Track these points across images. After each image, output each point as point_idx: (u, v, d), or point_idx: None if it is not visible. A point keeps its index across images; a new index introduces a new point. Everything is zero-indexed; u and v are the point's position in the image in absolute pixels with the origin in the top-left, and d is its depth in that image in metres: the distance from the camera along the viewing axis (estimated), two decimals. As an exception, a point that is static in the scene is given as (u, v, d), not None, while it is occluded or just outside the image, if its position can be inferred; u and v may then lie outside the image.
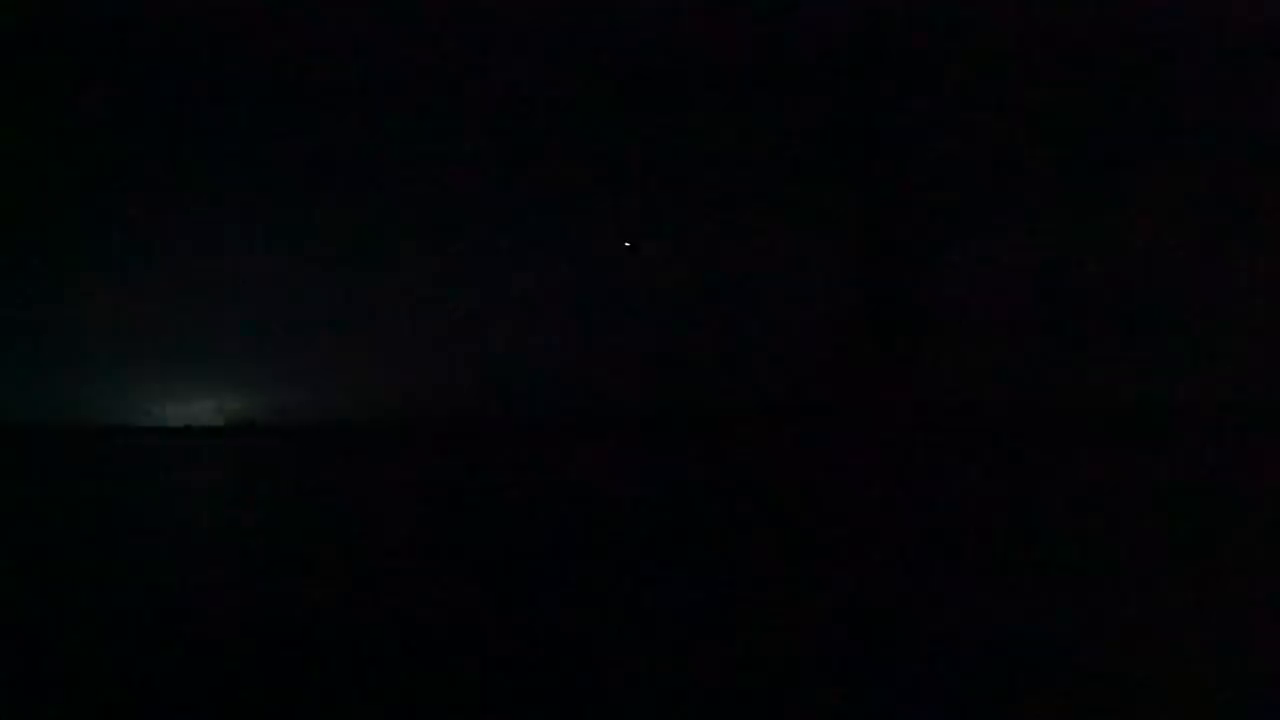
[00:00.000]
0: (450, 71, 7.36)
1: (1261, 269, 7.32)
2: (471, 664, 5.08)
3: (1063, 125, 7.41)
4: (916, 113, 7.35)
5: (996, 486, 6.69)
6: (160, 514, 6.63)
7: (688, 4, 7.33)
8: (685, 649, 5.19)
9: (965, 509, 6.50)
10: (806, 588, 5.70)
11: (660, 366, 7.34)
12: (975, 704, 4.79)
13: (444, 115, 7.36)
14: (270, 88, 7.29)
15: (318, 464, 7.17)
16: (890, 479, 6.81)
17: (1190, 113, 7.31)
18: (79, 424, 7.29)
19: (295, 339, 7.39)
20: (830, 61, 7.34)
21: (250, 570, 5.98)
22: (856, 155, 7.42)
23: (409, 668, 5.05)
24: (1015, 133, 7.38)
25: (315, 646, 5.26)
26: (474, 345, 7.38)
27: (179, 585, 5.82)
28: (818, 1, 7.30)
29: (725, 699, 4.84)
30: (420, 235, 7.40)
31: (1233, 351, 7.25)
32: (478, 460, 7.12)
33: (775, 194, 7.42)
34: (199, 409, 7.41)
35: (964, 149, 7.37)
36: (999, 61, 7.34)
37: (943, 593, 5.62)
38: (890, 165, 7.42)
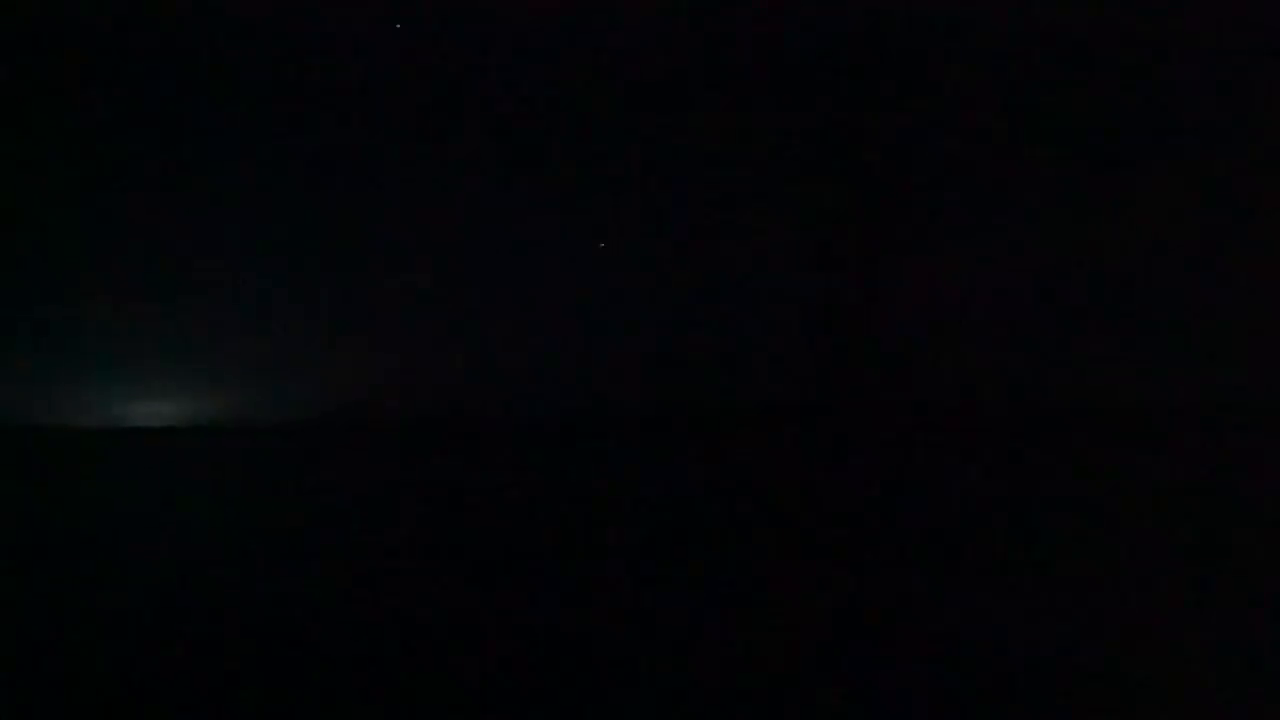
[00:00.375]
0: (450, 71, 7.36)
1: (1262, 269, 7.33)
2: (471, 664, 5.08)
3: (1062, 125, 7.41)
4: (916, 113, 7.36)
5: (995, 487, 6.69)
6: (145, 514, 6.63)
7: (688, 4, 7.34)
8: (685, 649, 5.19)
9: (965, 509, 6.51)
10: (806, 588, 5.71)
11: (660, 366, 7.35)
12: (975, 704, 4.80)
13: (444, 115, 7.37)
14: (270, 88, 7.29)
15: (313, 464, 7.18)
16: (889, 479, 6.82)
17: (1190, 113, 7.31)
18: (61, 424, 7.30)
19: (288, 339, 7.39)
20: (830, 61, 7.35)
21: (242, 571, 5.97)
22: (856, 156, 7.43)
23: (408, 668, 5.05)
24: (1014, 133, 7.38)
25: (312, 645, 5.27)
26: (474, 345, 7.38)
27: (166, 585, 5.81)
28: (818, 2, 7.31)
29: (725, 699, 4.84)
30: (420, 235, 7.41)
31: (1232, 352, 7.26)
32: (476, 460, 7.13)
33: (774, 194, 7.43)
34: (187, 409, 7.41)
35: (963, 149, 7.37)
36: (998, 61, 7.35)
37: (943, 593, 5.62)
38: (890, 166, 7.43)
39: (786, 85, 7.38)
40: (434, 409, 7.39)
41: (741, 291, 7.51)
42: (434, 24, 7.33)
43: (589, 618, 5.46)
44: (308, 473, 7.05)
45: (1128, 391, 7.29)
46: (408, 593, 5.66)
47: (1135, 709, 4.76)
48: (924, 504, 6.56)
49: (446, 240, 7.44)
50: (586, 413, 7.33)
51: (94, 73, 7.27)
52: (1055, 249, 7.38)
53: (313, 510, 6.66)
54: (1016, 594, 5.63)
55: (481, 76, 7.44)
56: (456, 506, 6.65)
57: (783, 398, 7.36)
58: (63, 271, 7.38)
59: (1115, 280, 7.39)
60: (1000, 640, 5.21)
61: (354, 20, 7.33)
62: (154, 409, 7.40)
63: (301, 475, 7.04)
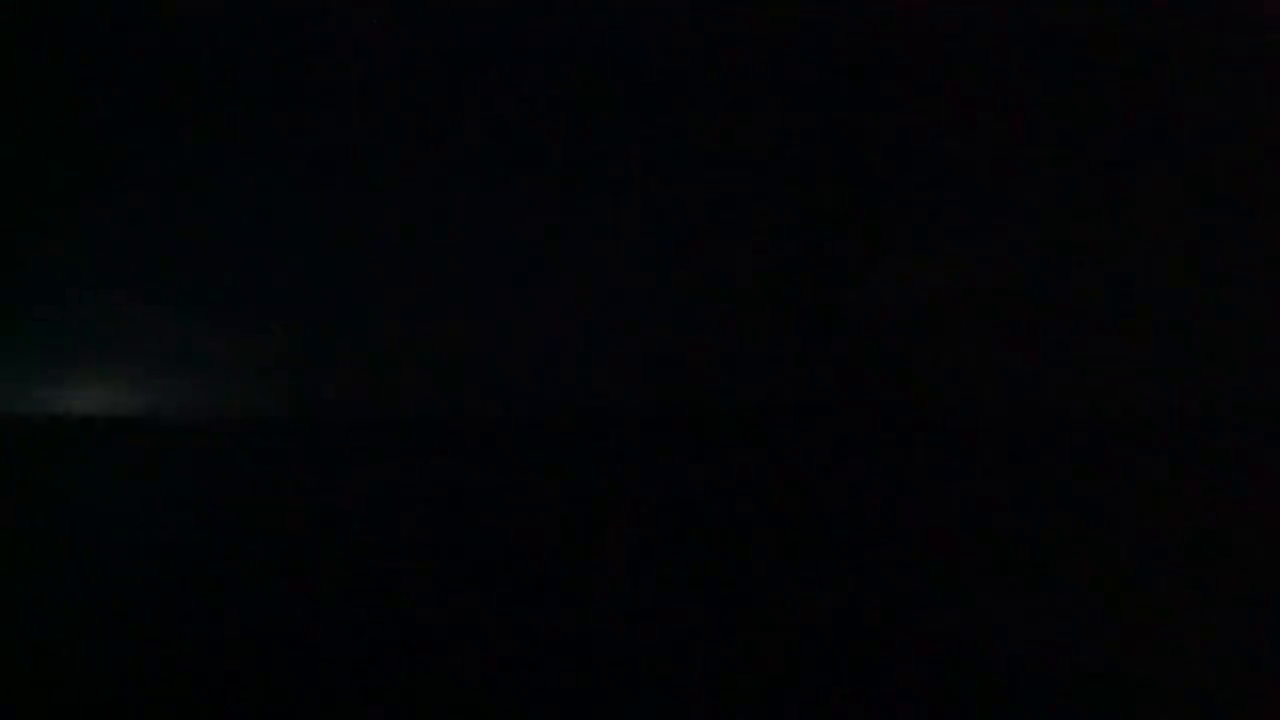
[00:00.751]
0: (450, 71, 7.37)
1: (1264, 270, 7.33)
2: (469, 664, 5.07)
3: (1062, 125, 7.42)
4: (917, 113, 7.36)
5: (997, 487, 6.69)
6: (132, 511, 6.61)
7: (688, 4, 7.34)
8: (685, 649, 5.19)
9: (965, 509, 6.51)
10: (806, 588, 5.70)
11: (660, 366, 7.35)
12: (975, 704, 4.80)
13: (444, 115, 7.36)
14: (269, 87, 7.29)
15: (311, 463, 7.16)
16: (890, 479, 6.82)
17: (1191, 113, 7.32)
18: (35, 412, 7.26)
19: (286, 338, 7.39)
20: (830, 61, 7.35)
21: (234, 572, 5.96)
22: (856, 156, 7.43)
23: (407, 669, 5.05)
24: (1014, 133, 7.39)
25: (312, 645, 5.25)
26: (473, 345, 7.38)
27: (152, 585, 5.79)
28: (817, 2, 7.32)
29: (725, 699, 4.84)
30: (418, 234, 7.41)
31: (1234, 354, 7.26)
32: (471, 460, 7.12)
33: (774, 194, 7.43)
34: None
35: (963, 148, 7.38)
36: (995, 60, 7.35)
37: (943, 593, 5.62)
38: (889, 165, 7.43)
39: (787, 85, 7.38)
40: (430, 408, 7.39)
41: (741, 291, 7.51)
42: (434, 23, 7.33)
43: (589, 618, 5.46)
44: (305, 471, 7.05)
45: (1128, 392, 7.29)
46: (405, 593, 5.66)
47: (1135, 709, 4.76)
48: (925, 504, 6.56)
49: (445, 239, 7.44)
50: (586, 413, 7.33)
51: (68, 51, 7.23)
52: (1055, 249, 7.39)
53: (309, 509, 6.66)
54: (1016, 594, 5.63)
55: (481, 76, 7.44)
56: (450, 506, 6.65)
57: (783, 398, 7.37)
58: (19, 258, 7.32)
59: (1115, 281, 7.39)
60: (1000, 640, 5.21)
61: (354, 20, 7.33)
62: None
63: (299, 474, 7.04)
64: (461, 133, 7.55)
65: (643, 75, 7.48)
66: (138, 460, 6.96)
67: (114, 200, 7.30)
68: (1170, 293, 7.41)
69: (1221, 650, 5.15)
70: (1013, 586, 5.77)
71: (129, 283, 7.39)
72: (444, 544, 6.25)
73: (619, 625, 5.42)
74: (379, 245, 7.44)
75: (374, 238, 7.44)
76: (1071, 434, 7.11)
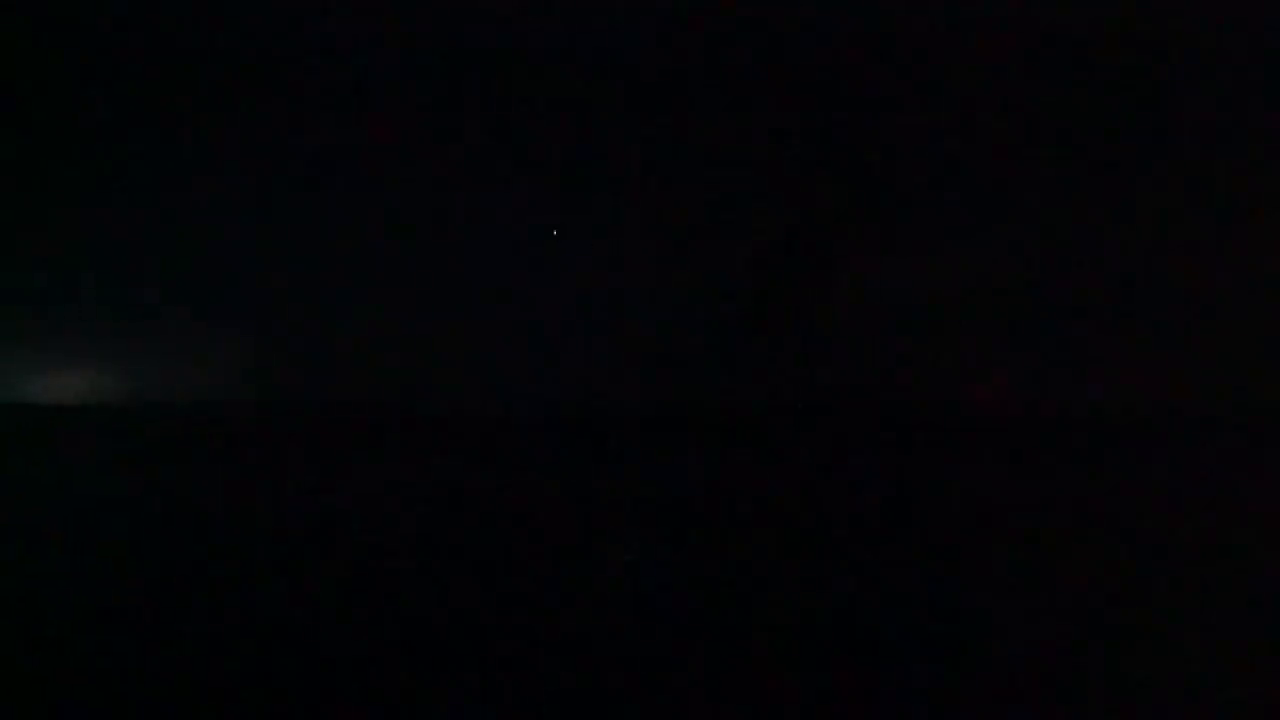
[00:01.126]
0: (450, 71, 7.36)
1: (1265, 271, 7.32)
2: (469, 664, 5.06)
3: (1059, 125, 7.40)
4: (916, 112, 7.35)
5: (997, 488, 6.68)
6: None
7: (687, 4, 7.33)
8: (685, 649, 5.18)
9: (965, 510, 6.50)
10: (806, 588, 5.69)
11: (661, 366, 7.33)
12: (974, 705, 4.79)
13: (444, 115, 7.35)
14: (264, 84, 7.28)
15: (312, 463, 7.15)
16: (890, 480, 6.81)
17: (1190, 113, 7.30)
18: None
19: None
20: (829, 61, 7.34)
21: (231, 570, 5.94)
22: (856, 156, 7.42)
23: (406, 669, 5.03)
24: (1013, 133, 7.37)
25: (313, 647, 5.24)
26: (474, 345, 7.37)
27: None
28: (816, 2, 7.30)
29: (725, 699, 4.83)
30: (418, 233, 7.40)
31: (1233, 355, 7.25)
32: (472, 460, 7.11)
33: (774, 194, 7.42)
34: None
35: (963, 148, 7.37)
36: (991, 60, 7.34)
37: (943, 594, 5.61)
38: (890, 166, 7.42)
39: (787, 85, 7.37)
40: (430, 408, 7.37)
41: (740, 294, 7.49)
42: (434, 23, 7.32)
43: (589, 617, 5.45)
44: (306, 469, 7.05)
45: (1128, 392, 7.28)
46: (404, 593, 5.64)
47: (1135, 708, 4.75)
48: (925, 505, 6.55)
49: (445, 240, 7.43)
50: (586, 413, 7.31)
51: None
52: (1055, 249, 7.37)
53: (309, 505, 6.65)
54: (1015, 592, 5.62)
55: (481, 77, 7.42)
56: (449, 504, 6.63)
57: (783, 398, 7.35)
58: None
59: (1115, 281, 7.38)
60: (1000, 641, 5.20)
61: (354, 20, 7.32)
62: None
63: (299, 470, 7.03)
64: (461, 133, 7.54)
65: (642, 77, 7.47)
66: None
67: (107, 200, 7.29)
68: (1170, 293, 7.39)
69: (1221, 649, 5.14)
70: (1012, 585, 5.75)
71: (129, 280, 7.37)
72: (442, 541, 6.23)
73: (617, 620, 5.41)
74: (379, 245, 7.43)
75: (374, 237, 7.42)
76: (1071, 434, 7.09)
